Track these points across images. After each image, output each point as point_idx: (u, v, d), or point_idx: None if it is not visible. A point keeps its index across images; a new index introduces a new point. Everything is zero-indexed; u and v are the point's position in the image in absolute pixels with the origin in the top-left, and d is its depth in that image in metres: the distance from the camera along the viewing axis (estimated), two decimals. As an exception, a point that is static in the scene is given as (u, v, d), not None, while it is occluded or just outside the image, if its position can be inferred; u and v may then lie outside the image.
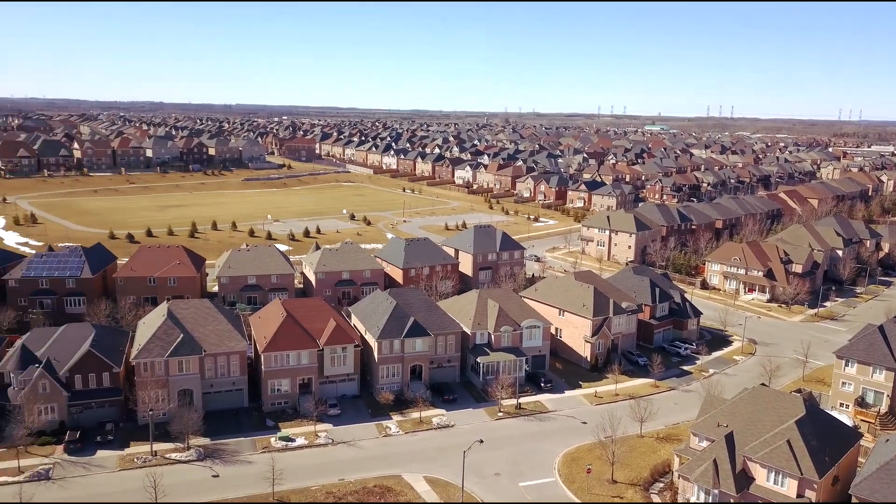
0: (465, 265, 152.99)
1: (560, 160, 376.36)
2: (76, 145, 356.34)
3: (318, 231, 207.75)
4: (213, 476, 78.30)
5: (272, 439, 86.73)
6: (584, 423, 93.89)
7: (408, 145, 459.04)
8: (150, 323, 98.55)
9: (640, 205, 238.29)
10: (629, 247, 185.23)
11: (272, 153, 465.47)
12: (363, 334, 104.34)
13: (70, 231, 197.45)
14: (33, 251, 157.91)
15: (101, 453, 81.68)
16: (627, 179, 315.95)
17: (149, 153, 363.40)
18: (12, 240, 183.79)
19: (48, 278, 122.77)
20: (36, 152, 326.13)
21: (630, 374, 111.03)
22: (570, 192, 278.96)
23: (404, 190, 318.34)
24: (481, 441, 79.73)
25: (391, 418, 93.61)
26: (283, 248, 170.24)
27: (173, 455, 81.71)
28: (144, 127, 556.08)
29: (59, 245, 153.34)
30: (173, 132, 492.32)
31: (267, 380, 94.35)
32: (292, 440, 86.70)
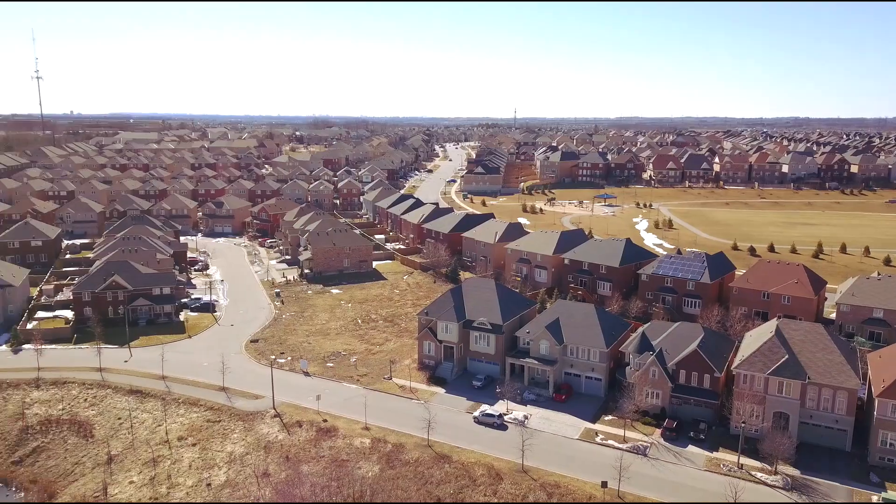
0: None
1: None
2: (717, 159, 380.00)
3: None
4: (797, 511, 73.79)
5: (874, 497, 75.83)
6: None
7: None
8: (756, 336, 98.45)
9: None
10: None
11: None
12: None
13: (698, 238, 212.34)
14: (664, 252, 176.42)
15: (691, 448, 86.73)
16: None
17: (784, 168, 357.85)
18: (650, 241, 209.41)
19: (672, 278, 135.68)
20: (682, 165, 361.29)
21: None
22: None
23: None
24: None
25: None
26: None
27: (759, 475, 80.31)
28: (784, 143, 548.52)
29: (686, 250, 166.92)
30: (814, 148, 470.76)
31: (878, 429, 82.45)
32: (900, 507, 73.96)
